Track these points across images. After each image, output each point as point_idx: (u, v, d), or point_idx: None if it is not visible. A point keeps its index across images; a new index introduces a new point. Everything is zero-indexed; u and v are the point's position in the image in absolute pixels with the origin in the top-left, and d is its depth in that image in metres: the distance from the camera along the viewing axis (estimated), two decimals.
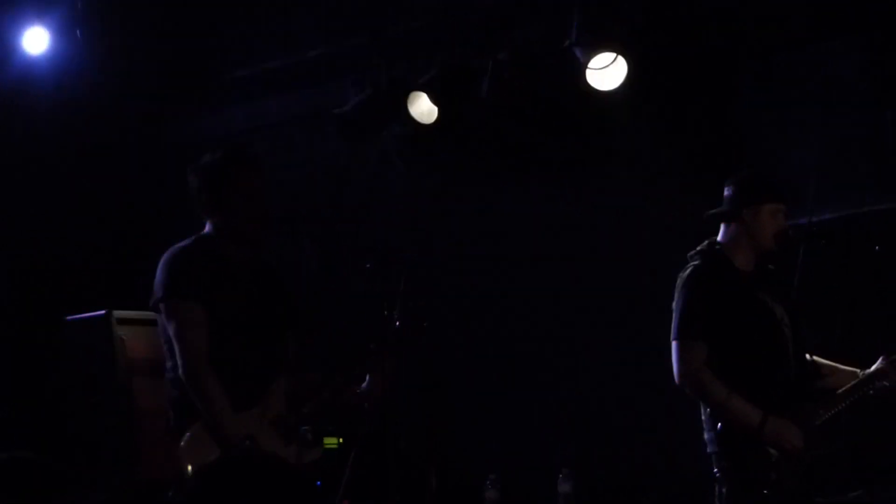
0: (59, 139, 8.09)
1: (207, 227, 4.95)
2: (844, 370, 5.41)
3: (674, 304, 5.26)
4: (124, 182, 8.49)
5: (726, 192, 5.36)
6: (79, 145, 8.20)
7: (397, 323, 5.04)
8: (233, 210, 4.85)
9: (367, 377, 5.02)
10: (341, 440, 6.56)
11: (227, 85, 8.28)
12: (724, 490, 5.19)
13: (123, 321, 6.27)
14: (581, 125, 7.03)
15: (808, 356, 5.29)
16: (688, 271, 5.28)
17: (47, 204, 8.03)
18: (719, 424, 5.15)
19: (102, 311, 6.38)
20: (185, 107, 8.59)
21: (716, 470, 5.20)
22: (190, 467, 4.63)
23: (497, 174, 7.57)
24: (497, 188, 7.59)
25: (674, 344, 5.18)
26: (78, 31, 7.51)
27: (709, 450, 5.22)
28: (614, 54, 6.51)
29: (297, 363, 5.04)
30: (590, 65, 6.53)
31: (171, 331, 4.73)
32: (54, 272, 8.05)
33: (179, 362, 4.69)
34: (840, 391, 5.29)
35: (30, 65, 7.59)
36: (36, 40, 7.57)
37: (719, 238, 5.39)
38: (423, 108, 7.33)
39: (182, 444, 4.68)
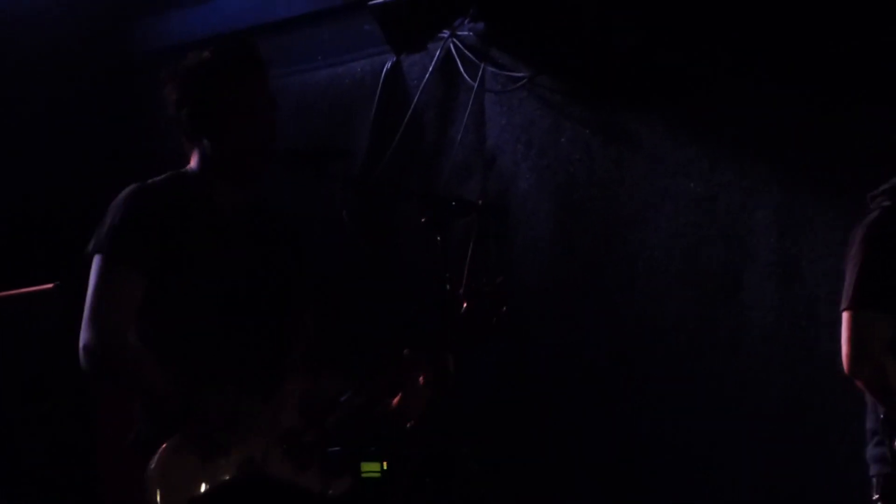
0: None
1: (193, 162, 4.42)
2: None
3: (848, 261, 4.76)
4: (79, 110, 8.02)
5: None
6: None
7: (464, 305, 4.42)
8: (226, 133, 4.33)
9: (402, 390, 4.49)
10: (385, 465, 6.04)
11: None
12: None
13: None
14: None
15: None
16: (873, 216, 4.75)
17: None
18: None
19: (51, 284, 6.30)
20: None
21: (876, 497, 4.70)
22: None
23: (616, 97, 6.79)
24: (614, 117, 6.80)
25: (845, 315, 4.67)
26: None
27: (872, 471, 4.71)
28: None
29: (317, 357, 4.53)
30: None
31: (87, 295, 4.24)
32: None
33: (81, 338, 4.15)
34: None
35: None
36: None
37: None
38: None
39: (152, 465, 4.05)
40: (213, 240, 4.30)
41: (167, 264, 4.20)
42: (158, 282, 4.20)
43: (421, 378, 4.41)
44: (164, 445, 4.09)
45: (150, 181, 4.32)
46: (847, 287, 4.71)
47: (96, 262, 4.19)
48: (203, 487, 4.08)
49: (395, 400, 4.46)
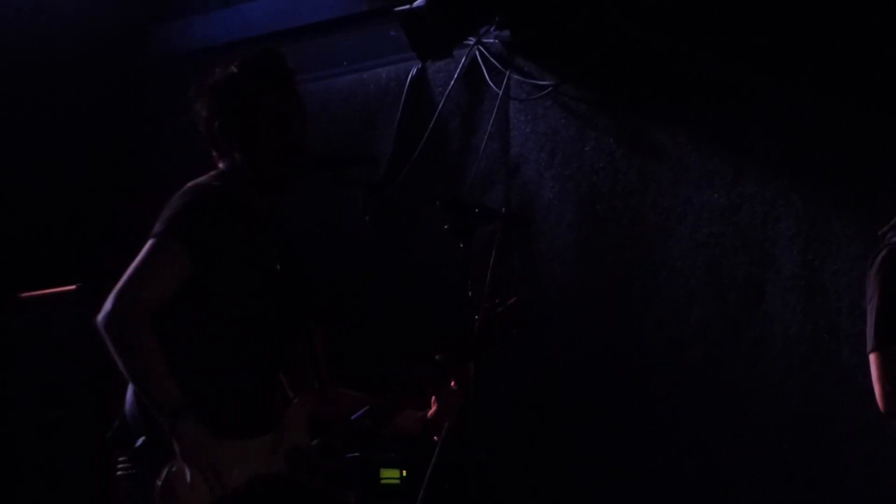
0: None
1: (223, 169, 4.44)
2: None
3: (867, 301, 4.75)
4: (98, 114, 7.94)
5: None
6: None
7: (483, 313, 4.49)
8: (258, 146, 4.34)
9: (434, 399, 4.53)
10: (404, 472, 6.07)
11: None
12: None
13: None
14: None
15: None
16: (883, 254, 4.76)
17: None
18: None
19: (73, 286, 6.28)
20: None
21: None
22: None
23: (641, 107, 6.79)
24: (639, 126, 6.79)
25: (872, 357, 4.69)
26: None
27: None
28: None
29: (328, 372, 4.50)
30: None
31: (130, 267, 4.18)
32: (6, 234, 7.56)
33: (107, 303, 4.09)
34: None
35: None
36: None
37: None
38: None
39: (159, 484, 4.06)
40: (250, 248, 4.31)
41: (213, 265, 4.19)
42: (198, 284, 4.17)
43: (453, 382, 4.43)
44: (172, 462, 4.06)
45: (202, 182, 4.32)
46: (869, 328, 4.73)
47: (151, 242, 4.14)
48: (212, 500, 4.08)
49: (431, 412, 4.47)
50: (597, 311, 6.84)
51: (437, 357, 4.38)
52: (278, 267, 4.37)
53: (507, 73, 7.13)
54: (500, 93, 7.13)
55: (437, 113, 7.38)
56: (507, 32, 7.09)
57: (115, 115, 8.01)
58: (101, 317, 4.07)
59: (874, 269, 4.74)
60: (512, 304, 4.48)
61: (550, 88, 7.01)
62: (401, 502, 5.90)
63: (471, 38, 7.17)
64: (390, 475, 6.01)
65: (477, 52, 7.23)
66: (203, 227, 4.17)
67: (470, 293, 4.46)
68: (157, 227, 4.16)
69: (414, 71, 7.46)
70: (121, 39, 8.04)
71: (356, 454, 5.80)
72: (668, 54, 6.56)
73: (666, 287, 6.60)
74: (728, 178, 6.42)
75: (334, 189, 4.57)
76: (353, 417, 4.33)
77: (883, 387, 4.64)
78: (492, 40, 7.18)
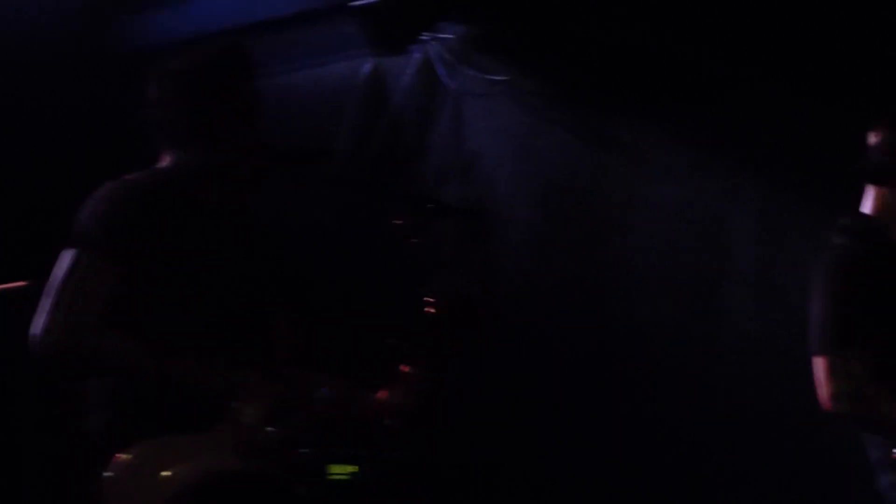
0: None
1: (169, 161, 4.29)
2: None
3: (812, 304, 4.69)
4: (53, 109, 7.88)
5: (877, 139, 4.77)
6: None
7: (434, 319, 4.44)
8: (215, 136, 4.24)
9: (387, 385, 4.45)
10: (355, 468, 6.06)
11: None
12: None
13: None
14: None
15: None
16: (828, 257, 4.74)
17: None
18: None
19: (24, 282, 6.15)
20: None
21: None
22: None
23: (596, 102, 6.79)
24: (594, 121, 6.80)
25: (818, 360, 4.61)
26: None
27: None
28: None
29: (293, 359, 4.44)
30: None
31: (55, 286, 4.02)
32: (7, 233, 7.57)
33: (43, 331, 3.92)
34: None
35: None
36: None
37: (867, 208, 4.79)
38: None
39: (106, 478, 3.92)
40: (200, 241, 4.23)
41: (149, 265, 4.08)
42: (139, 284, 4.05)
43: (406, 368, 4.38)
44: (127, 452, 3.95)
45: (127, 178, 4.20)
46: (813, 331, 4.70)
47: (71, 255, 4.02)
48: (164, 496, 3.98)
49: (384, 397, 4.41)
50: (554, 306, 6.84)
51: (389, 341, 4.33)
52: (235, 259, 4.28)
53: (463, 68, 7.13)
54: (455, 88, 7.15)
55: (392, 109, 7.39)
56: (462, 28, 7.07)
57: (76, 110, 7.94)
58: (46, 350, 3.94)
59: (818, 272, 4.72)
60: (464, 294, 4.46)
61: (505, 84, 7.00)
62: (351, 498, 5.88)
63: (426, 34, 7.11)
64: (340, 471, 5.98)
65: (432, 48, 7.21)
66: (123, 233, 4.05)
67: (424, 288, 4.42)
68: (76, 235, 4.06)
69: (369, 67, 7.44)
70: (79, 35, 7.97)
71: (306, 450, 5.78)
72: (622, 48, 6.54)
73: (623, 281, 6.60)
74: (684, 172, 6.42)
75: (288, 183, 4.51)
76: (308, 401, 4.29)
77: (829, 388, 4.58)
78: (447, 35, 7.14)
